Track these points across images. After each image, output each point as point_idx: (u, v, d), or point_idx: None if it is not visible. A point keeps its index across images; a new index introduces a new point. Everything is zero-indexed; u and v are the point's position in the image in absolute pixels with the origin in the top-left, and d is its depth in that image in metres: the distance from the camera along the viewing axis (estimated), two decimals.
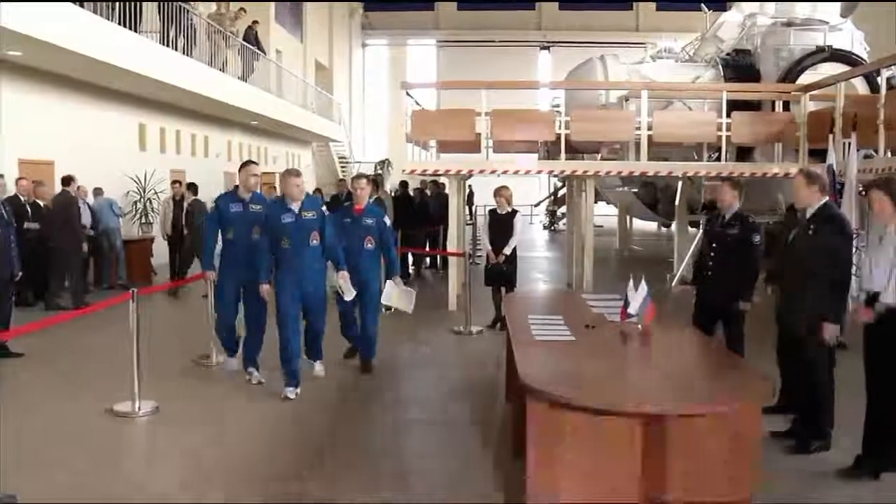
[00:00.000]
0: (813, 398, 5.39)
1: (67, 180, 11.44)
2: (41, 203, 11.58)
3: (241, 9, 19.81)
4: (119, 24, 12.59)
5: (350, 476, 4.97)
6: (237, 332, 7.46)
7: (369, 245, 7.50)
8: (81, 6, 11.41)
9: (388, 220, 7.86)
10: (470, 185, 20.71)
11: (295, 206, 6.63)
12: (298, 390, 6.66)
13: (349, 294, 6.88)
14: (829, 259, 5.18)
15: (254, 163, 7.47)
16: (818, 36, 12.76)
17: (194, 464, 5.22)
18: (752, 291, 6.38)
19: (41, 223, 11.11)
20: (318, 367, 7.27)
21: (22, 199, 10.45)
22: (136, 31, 13.37)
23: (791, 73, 12.49)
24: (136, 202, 15.62)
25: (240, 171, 7.38)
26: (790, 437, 5.45)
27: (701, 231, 13.75)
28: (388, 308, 8.24)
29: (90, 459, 5.27)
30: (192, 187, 13.30)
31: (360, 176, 8.10)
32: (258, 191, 7.45)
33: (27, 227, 10.37)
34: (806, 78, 12.13)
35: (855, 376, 5.20)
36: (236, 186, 7.39)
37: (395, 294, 7.76)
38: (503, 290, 9.42)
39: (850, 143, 9.09)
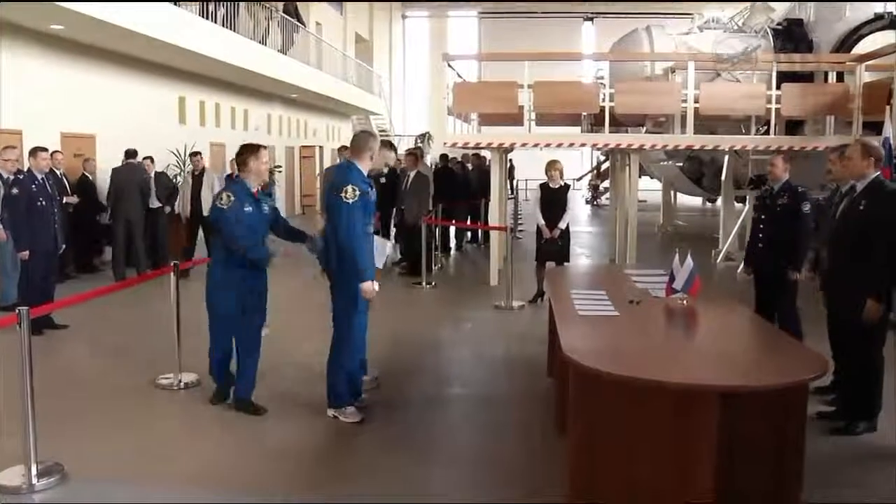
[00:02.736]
0: (861, 379, 5.20)
1: (132, 153, 11.54)
2: (89, 176, 11.72)
3: None
4: None
5: (390, 454, 4.90)
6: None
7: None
8: None
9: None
10: (511, 159, 20.52)
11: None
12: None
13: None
14: (887, 235, 4.92)
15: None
16: (877, 3, 12.31)
17: (234, 439, 5.20)
18: (802, 260, 6.25)
19: (83, 197, 11.30)
20: (351, 411, 5.47)
21: (58, 173, 10.47)
22: (175, 3, 13.35)
23: (846, 43, 12.07)
24: (175, 175, 15.67)
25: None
26: (836, 418, 5.29)
27: (748, 208, 13.53)
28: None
29: (133, 431, 5.29)
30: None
31: (252, 147, 5.53)
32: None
33: (66, 202, 10.40)
34: (862, 47, 11.73)
35: None
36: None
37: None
38: (547, 265, 9.26)
39: None
